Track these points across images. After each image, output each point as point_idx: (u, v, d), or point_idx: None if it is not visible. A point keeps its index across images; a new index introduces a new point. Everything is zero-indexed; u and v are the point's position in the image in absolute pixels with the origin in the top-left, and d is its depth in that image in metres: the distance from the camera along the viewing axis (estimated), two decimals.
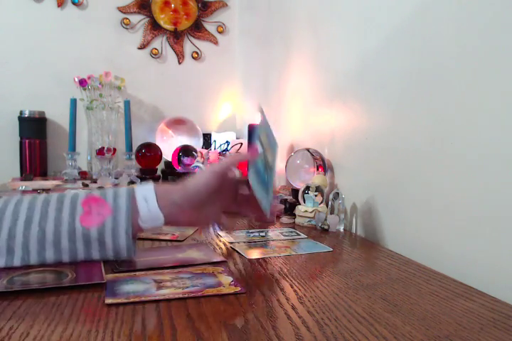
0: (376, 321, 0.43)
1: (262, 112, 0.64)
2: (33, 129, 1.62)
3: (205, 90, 1.90)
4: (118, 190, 0.52)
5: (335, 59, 1.01)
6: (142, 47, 1.81)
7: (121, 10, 1.77)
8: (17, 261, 0.50)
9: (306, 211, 0.88)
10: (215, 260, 0.62)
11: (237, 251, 0.67)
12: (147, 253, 0.66)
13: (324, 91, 1.08)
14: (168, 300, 0.46)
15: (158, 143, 1.68)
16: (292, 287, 0.52)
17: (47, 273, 0.54)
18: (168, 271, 0.57)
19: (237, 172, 0.59)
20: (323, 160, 1.01)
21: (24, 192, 1.13)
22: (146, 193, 0.51)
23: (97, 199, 0.48)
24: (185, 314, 0.43)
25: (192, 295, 0.48)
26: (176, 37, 1.84)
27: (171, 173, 1.59)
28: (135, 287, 0.50)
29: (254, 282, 0.54)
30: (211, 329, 0.40)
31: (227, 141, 1.56)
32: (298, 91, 1.25)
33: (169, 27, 1.83)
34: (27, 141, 1.61)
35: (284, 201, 1.01)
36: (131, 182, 1.39)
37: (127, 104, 1.60)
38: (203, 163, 1.36)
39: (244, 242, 0.73)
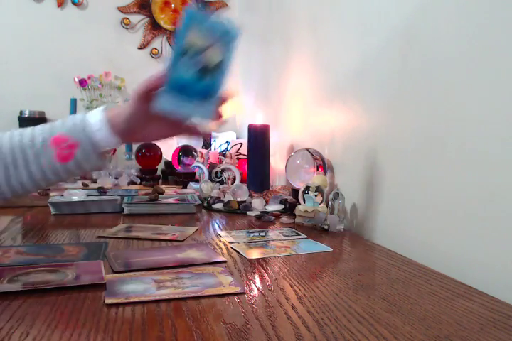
0: (376, 321, 0.43)
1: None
2: None
3: None
4: (75, 123, 0.55)
5: (335, 59, 1.01)
6: (142, 47, 1.81)
7: (121, 10, 1.77)
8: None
9: (306, 211, 0.87)
10: (215, 260, 0.62)
11: (237, 251, 0.67)
12: (147, 253, 0.66)
13: (324, 92, 1.07)
14: (168, 300, 0.46)
15: (158, 143, 1.68)
16: (292, 287, 0.52)
17: (47, 273, 0.54)
18: (168, 271, 0.57)
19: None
20: (323, 160, 1.01)
21: None
22: (100, 125, 0.54)
23: (63, 139, 0.53)
24: (185, 314, 0.43)
25: (192, 295, 0.48)
26: None
27: (171, 173, 1.59)
28: (135, 287, 0.50)
29: (254, 282, 0.54)
30: (211, 329, 0.40)
31: (227, 141, 1.56)
32: (298, 91, 1.25)
33: (169, 27, 1.83)
34: None
35: (284, 201, 1.01)
36: (132, 183, 1.39)
37: None
38: (203, 163, 1.36)
39: (244, 242, 0.73)
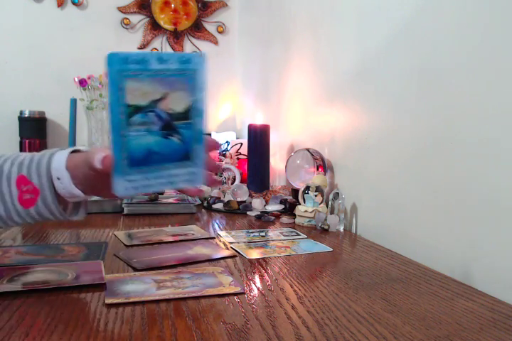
0: (376, 321, 0.43)
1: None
2: (33, 129, 1.62)
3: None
4: (39, 166, 0.49)
5: (335, 59, 1.01)
6: (142, 47, 1.81)
7: (121, 10, 1.77)
8: None
9: (306, 211, 0.87)
10: (224, 255, 0.65)
11: (237, 251, 0.67)
12: (156, 252, 0.66)
13: (324, 91, 1.07)
14: (168, 300, 0.46)
15: None
16: (292, 287, 0.52)
17: (47, 273, 0.54)
18: (168, 271, 0.57)
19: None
20: (323, 160, 1.01)
21: None
22: (59, 173, 0.48)
23: (26, 181, 0.49)
24: (185, 314, 0.43)
25: (192, 295, 0.48)
26: (176, 37, 1.84)
27: None
28: (135, 287, 0.50)
29: (254, 282, 0.54)
30: (211, 329, 0.40)
31: (227, 141, 1.56)
32: (298, 91, 1.25)
33: (169, 27, 1.83)
34: (27, 141, 1.60)
35: (284, 201, 1.01)
36: None
37: None
38: None
39: (244, 242, 0.73)
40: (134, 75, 0.38)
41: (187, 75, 0.41)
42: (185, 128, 0.42)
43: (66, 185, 0.47)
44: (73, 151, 0.50)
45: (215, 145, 0.48)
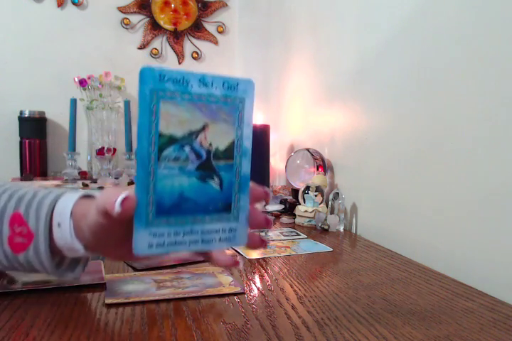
0: (376, 321, 0.43)
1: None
2: (33, 129, 1.62)
3: None
4: (41, 206, 0.42)
5: (335, 59, 1.01)
6: (142, 47, 1.81)
7: (121, 10, 1.77)
8: None
9: (306, 211, 0.87)
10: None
11: (237, 251, 0.67)
12: None
13: (324, 91, 1.07)
14: (168, 300, 0.46)
15: None
16: (292, 287, 0.52)
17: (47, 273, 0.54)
18: (168, 271, 0.57)
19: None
20: (323, 160, 1.01)
21: None
22: (62, 218, 0.41)
23: (20, 221, 0.42)
24: (185, 314, 0.43)
25: (192, 295, 0.48)
26: (176, 37, 1.84)
27: None
28: (135, 287, 0.50)
29: (254, 282, 0.54)
30: (211, 329, 0.40)
31: None
32: (298, 91, 1.25)
33: (169, 27, 1.83)
34: (27, 141, 1.60)
35: (284, 201, 1.01)
36: (132, 183, 1.39)
37: (127, 104, 1.60)
38: None
39: None
40: (170, 97, 0.31)
41: (233, 104, 0.34)
42: (227, 171, 0.34)
43: (65, 235, 0.40)
44: (85, 196, 0.43)
45: (264, 196, 0.38)
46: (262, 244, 0.38)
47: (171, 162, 0.32)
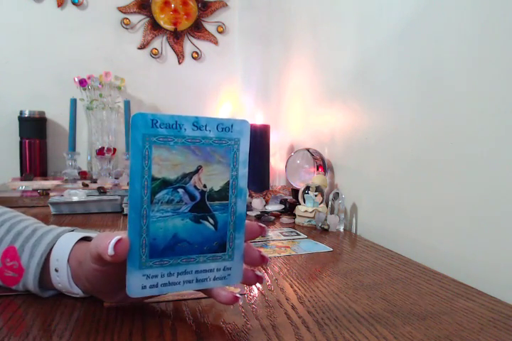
0: (376, 321, 0.43)
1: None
2: (33, 129, 1.62)
3: (205, 90, 1.90)
4: (38, 244, 0.43)
5: (335, 59, 1.01)
6: (142, 47, 1.81)
7: (121, 10, 1.77)
8: None
9: (306, 211, 0.87)
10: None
11: None
12: None
13: (324, 91, 1.08)
14: (168, 301, 0.46)
15: None
16: (292, 287, 0.52)
17: None
18: None
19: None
20: (323, 160, 1.01)
21: (24, 192, 1.13)
22: (59, 264, 0.41)
23: (13, 255, 0.42)
24: (185, 314, 0.43)
25: (192, 296, 0.48)
26: (176, 37, 1.84)
27: None
28: None
29: None
30: (211, 329, 0.40)
31: None
32: (298, 91, 1.25)
33: (169, 27, 1.83)
34: (27, 141, 1.60)
35: (284, 201, 1.01)
36: None
37: (127, 104, 1.60)
38: None
39: None
40: (163, 142, 0.31)
41: (227, 146, 0.34)
42: (222, 211, 0.35)
43: (63, 280, 0.41)
44: (83, 238, 0.43)
45: (259, 232, 0.38)
46: (258, 279, 0.39)
47: (164, 204, 0.33)
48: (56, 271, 0.41)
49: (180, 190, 0.33)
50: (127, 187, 1.27)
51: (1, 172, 1.59)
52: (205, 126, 0.33)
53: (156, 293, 0.34)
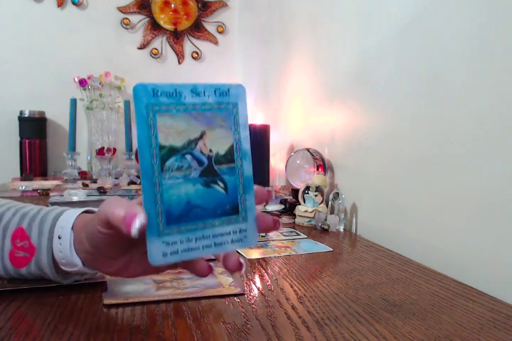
0: (376, 321, 0.43)
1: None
2: (33, 129, 1.62)
3: None
4: (44, 221, 0.43)
5: (335, 59, 1.01)
6: (142, 47, 1.81)
7: (121, 10, 1.77)
8: None
9: (306, 211, 0.87)
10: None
11: (237, 251, 0.67)
12: None
13: (324, 91, 1.07)
14: (168, 300, 0.46)
15: None
16: (292, 287, 0.52)
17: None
18: (168, 271, 0.57)
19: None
20: (323, 160, 1.01)
21: (24, 192, 1.13)
22: (63, 231, 0.42)
23: (23, 235, 0.43)
24: (185, 314, 0.43)
25: (192, 296, 0.48)
26: (176, 37, 1.84)
27: None
28: (135, 287, 0.50)
29: (254, 282, 0.54)
30: (211, 329, 0.40)
31: None
32: (298, 91, 1.25)
33: (169, 27, 1.83)
34: (27, 141, 1.60)
35: (284, 201, 1.01)
36: (131, 183, 1.39)
37: (127, 104, 1.60)
38: None
39: None
40: (165, 110, 0.32)
41: (227, 110, 0.35)
42: (230, 174, 0.35)
43: (65, 247, 0.41)
44: (87, 211, 0.44)
45: (267, 196, 0.38)
46: (276, 224, 0.37)
47: (175, 171, 0.33)
48: (59, 238, 0.41)
49: (188, 156, 0.34)
50: (127, 187, 1.27)
51: (1, 172, 1.59)
52: (204, 91, 0.34)
53: (178, 260, 0.34)
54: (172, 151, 0.33)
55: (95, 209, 0.44)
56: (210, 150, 0.34)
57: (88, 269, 0.43)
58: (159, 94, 0.32)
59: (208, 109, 0.34)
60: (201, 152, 0.34)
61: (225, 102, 0.35)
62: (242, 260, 0.37)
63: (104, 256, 0.39)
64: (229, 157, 0.35)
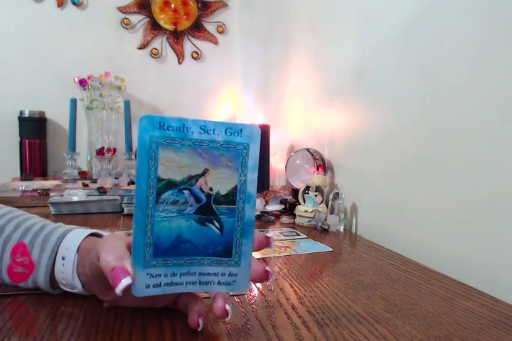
0: (376, 321, 0.43)
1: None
2: (33, 129, 1.62)
3: (205, 90, 1.90)
4: (48, 239, 0.43)
5: (335, 58, 1.01)
6: (142, 47, 1.81)
7: (121, 10, 1.77)
8: None
9: (306, 211, 0.87)
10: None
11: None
12: None
13: (324, 91, 1.07)
14: None
15: None
16: (292, 287, 0.52)
17: None
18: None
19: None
20: (323, 160, 1.01)
21: (24, 192, 1.13)
22: (68, 252, 0.41)
23: (23, 251, 0.42)
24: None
25: None
26: (176, 37, 1.84)
27: None
28: None
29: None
30: (211, 329, 0.40)
31: None
32: (298, 91, 1.25)
33: (169, 27, 1.83)
34: (27, 141, 1.60)
35: (284, 201, 1.01)
36: (132, 183, 1.39)
37: (127, 104, 1.60)
38: None
39: None
40: (169, 144, 0.32)
41: (236, 150, 0.34)
42: (228, 216, 0.34)
43: (67, 269, 0.41)
44: (93, 234, 0.44)
45: (266, 243, 0.37)
46: (268, 276, 0.37)
47: (169, 205, 0.33)
48: (63, 258, 0.41)
49: (186, 192, 0.33)
50: (127, 187, 1.27)
51: (1, 172, 1.59)
52: (213, 129, 0.33)
53: (160, 293, 0.34)
54: (170, 185, 0.32)
55: (102, 233, 0.44)
56: (211, 189, 0.34)
57: (86, 292, 0.43)
58: (165, 128, 0.32)
59: (215, 147, 0.33)
60: (201, 189, 0.33)
61: (234, 142, 0.34)
62: (228, 307, 0.36)
63: (102, 286, 0.40)
64: (230, 198, 0.34)
